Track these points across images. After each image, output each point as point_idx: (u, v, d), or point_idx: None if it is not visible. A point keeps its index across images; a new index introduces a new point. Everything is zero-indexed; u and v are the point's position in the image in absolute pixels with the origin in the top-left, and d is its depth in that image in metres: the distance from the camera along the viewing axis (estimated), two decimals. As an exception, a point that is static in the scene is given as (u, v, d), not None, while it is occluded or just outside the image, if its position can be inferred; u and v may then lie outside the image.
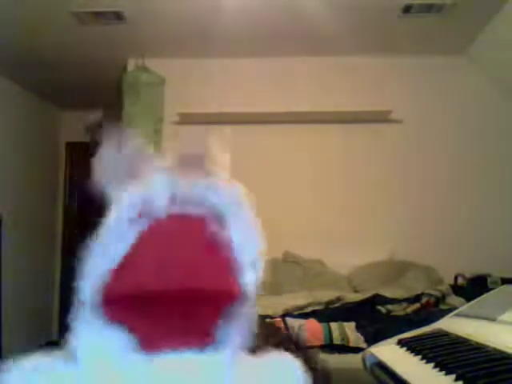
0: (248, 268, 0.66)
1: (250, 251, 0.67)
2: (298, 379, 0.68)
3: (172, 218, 0.64)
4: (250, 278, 0.66)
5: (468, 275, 3.07)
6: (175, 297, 0.60)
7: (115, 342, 0.60)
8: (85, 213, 4.97)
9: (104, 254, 0.63)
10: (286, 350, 0.76)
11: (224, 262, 0.64)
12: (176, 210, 0.65)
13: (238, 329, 0.65)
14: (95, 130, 4.04)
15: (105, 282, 0.61)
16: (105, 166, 0.68)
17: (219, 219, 0.66)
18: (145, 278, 0.60)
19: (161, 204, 0.64)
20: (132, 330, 0.60)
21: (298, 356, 0.72)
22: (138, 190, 0.66)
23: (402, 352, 1.16)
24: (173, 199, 0.65)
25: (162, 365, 0.60)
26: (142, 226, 0.63)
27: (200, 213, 0.66)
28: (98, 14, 3.07)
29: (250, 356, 0.68)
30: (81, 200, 4.99)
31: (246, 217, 0.69)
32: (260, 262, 0.68)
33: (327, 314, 2.42)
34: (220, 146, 0.74)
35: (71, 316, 0.64)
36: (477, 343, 1.04)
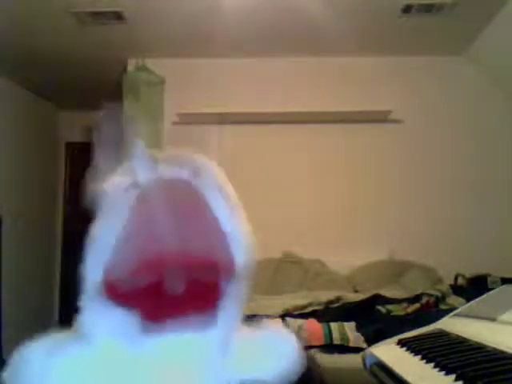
0: (239, 243, 0.68)
1: (234, 226, 0.69)
2: (293, 350, 0.71)
3: (161, 191, 0.67)
4: (242, 252, 0.68)
5: (468, 275, 3.07)
6: (175, 271, 0.63)
7: (121, 322, 0.64)
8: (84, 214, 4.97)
9: (104, 232, 0.67)
10: None
11: (219, 235, 0.67)
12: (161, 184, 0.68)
13: (234, 303, 0.68)
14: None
15: (108, 263, 0.64)
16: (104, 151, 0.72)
17: (199, 195, 0.70)
18: (147, 254, 0.63)
19: (145, 175, 0.68)
20: (136, 306, 0.64)
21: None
22: (124, 169, 0.70)
23: (401, 352, 1.16)
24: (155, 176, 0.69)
25: (164, 343, 0.63)
26: (133, 197, 0.67)
27: (186, 186, 0.69)
28: (97, 14, 3.07)
29: (246, 328, 0.71)
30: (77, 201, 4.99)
31: (226, 194, 0.72)
32: (248, 238, 0.72)
33: (327, 313, 2.42)
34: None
35: (79, 298, 0.68)
36: (477, 343, 1.04)
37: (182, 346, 0.63)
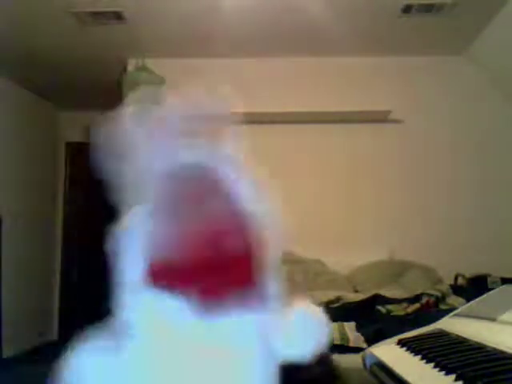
0: (266, 220, 0.73)
1: (260, 207, 0.74)
2: (323, 324, 0.82)
3: (187, 185, 0.69)
4: (272, 229, 0.73)
5: (468, 275, 3.07)
6: (214, 262, 0.66)
7: (172, 307, 0.65)
8: (86, 212, 4.98)
9: (137, 227, 0.68)
10: None
11: (248, 222, 0.71)
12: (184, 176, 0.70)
13: (270, 287, 0.71)
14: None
15: (150, 259, 0.65)
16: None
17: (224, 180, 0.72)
18: (187, 248, 0.65)
19: (168, 169, 0.69)
20: (187, 294, 0.65)
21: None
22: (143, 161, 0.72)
23: (401, 352, 1.16)
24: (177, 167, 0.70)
25: (215, 328, 0.65)
26: (161, 187, 0.68)
27: (209, 174, 0.72)
28: (97, 14, 3.07)
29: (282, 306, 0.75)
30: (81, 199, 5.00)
31: (248, 177, 0.78)
32: (275, 217, 0.76)
33: (327, 313, 2.41)
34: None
35: (115, 298, 0.68)
36: (477, 343, 1.04)
37: (232, 329, 0.66)
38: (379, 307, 2.55)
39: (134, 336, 0.66)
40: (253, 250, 0.68)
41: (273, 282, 0.70)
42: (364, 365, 1.26)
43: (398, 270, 3.27)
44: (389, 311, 2.52)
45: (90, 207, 4.69)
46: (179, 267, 0.64)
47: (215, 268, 0.66)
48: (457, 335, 1.15)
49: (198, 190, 0.69)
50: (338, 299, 2.67)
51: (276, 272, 0.71)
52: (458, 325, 1.23)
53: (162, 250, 0.65)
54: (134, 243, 0.67)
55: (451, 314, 1.38)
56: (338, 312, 2.45)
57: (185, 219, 0.67)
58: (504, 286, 1.47)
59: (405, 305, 2.60)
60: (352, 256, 3.32)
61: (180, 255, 0.64)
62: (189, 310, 0.65)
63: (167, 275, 0.65)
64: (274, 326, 0.70)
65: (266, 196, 0.75)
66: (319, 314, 0.79)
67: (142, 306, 0.66)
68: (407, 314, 2.47)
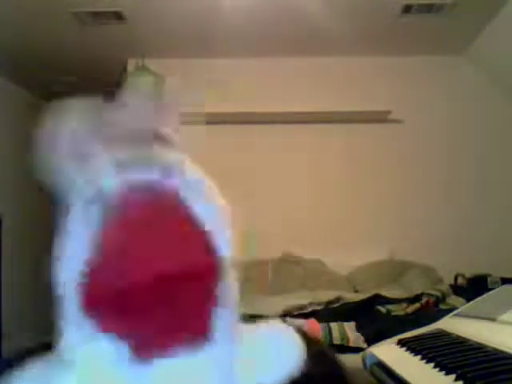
0: (221, 243, 0.63)
1: (216, 226, 0.63)
2: (297, 351, 0.66)
3: (132, 198, 0.61)
4: (225, 251, 0.63)
5: (468, 275, 3.06)
6: (158, 288, 0.57)
7: (105, 349, 0.57)
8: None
9: (75, 250, 0.61)
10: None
11: (200, 237, 0.62)
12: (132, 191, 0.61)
13: (226, 312, 0.62)
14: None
15: (82, 288, 0.58)
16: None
17: (174, 196, 0.63)
18: (122, 275, 0.57)
19: (112, 185, 0.61)
20: (121, 335, 0.57)
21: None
22: (87, 175, 0.64)
23: (401, 352, 1.16)
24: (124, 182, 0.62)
25: (157, 372, 0.57)
26: (100, 208, 0.60)
27: (159, 189, 0.62)
28: (97, 14, 3.07)
29: (246, 327, 0.67)
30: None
31: (204, 190, 0.66)
32: (229, 237, 0.65)
33: (327, 313, 2.42)
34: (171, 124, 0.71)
35: (56, 315, 0.60)
36: (477, 343, 1.04)
37: (177, 371, 0.57)
38: (379, 307, 2.55)
39: (70, 369, 0.58)
40: (206, 278, 0.61)
41: (226, 308, 0.62)
42: (364, 365, 1.26)
43: (398, 269, 3.27)
44: (389, 311, 2.52)
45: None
46: (114, 298, 0.56)
47: (159, 300, 0.57)
48: (457, 335, 1.15)
49: (149, 210, 0.61)
50: (337, 299, 2.67)
51: (229, 296, 0.63)
52: (458, 325, 1.23)
53: (99, 283, 0.57)
54: (70, 270, 0.59)
55: (451, 314, 1.38)
56: (338, 312, 2.45)
57: (131, 241, 0.59)
58: (504, 286, 1.47)
59: (405, 305, 2.60)
60: (352, 256, 3.32)
61: (116, 283, 0.56)
62: (127, 354, 0.56)
63: (99, 309, 0.57)
64: (236, 357, 0.61)
65: (226, 217, 0.67)
66: (288, 335, 0.70)
67: (74, 336, 0.59)
68: (407, 314, 2.47)
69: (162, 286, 0.57)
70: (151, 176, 0.63)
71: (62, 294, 0.61)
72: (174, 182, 0.63)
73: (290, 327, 0.71)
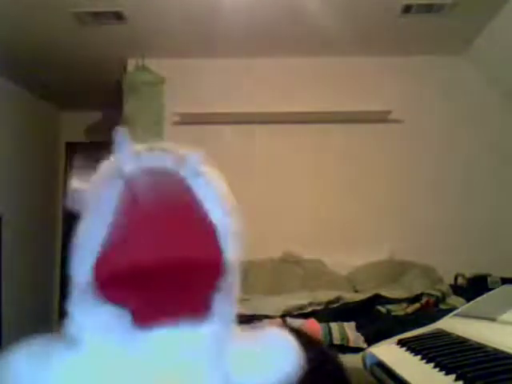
0: (228, 237, 0.65)
1: (223, 220, 0.66)
2: (292, 356, 0.67)
3: (148, 187, 0.64)
4: (232, 247, 0.65)
5: (468, 275, 3.06)
6: (167, 269, 0.60)
7: (112, 321, 0.60)
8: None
9: (90, 229, 0.64)
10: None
11: (209, 230, 0.64)
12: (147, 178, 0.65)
13: (227, 300, 0.65)
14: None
15: (96, 261, 0.61)
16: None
17: (188, 189, 0.66)
18: (137, 253, 0.60)
19: (129, 165, 0.64)
20: (126, 305, 0.60)
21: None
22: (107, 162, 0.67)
23: (402, 352, 1.16)
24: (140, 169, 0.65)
25: (157, 340, 0.60)
26: (118, 189, 0.63)
27: (174, 180, 0.66)
28: (97, 14, 3.07)
29: (243, 331, 0.69)
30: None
31: (214, 185, 0.68)
32: (238, 232, 0.68)
33: (327, 314, 2.42)
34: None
35: (69, 300, 0.63)
36: (477, 343, 1.04)
37: (176, 341, 0.61)
38: (379, 307, 2.55)
39: (74, 346, 0.60)
40: (212, 263, 0.64)
41: (226, 300, 0.65)
42: (364, 365, 1.27)
43: (398, 270, 3.27)
44: (389, 311, 2.53)
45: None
46: (126, 272, 0.59)
47: (167, 277, 0.61)
48: (457, 335, 1.15)
49: (161, 196, 0.64)
50: (337, 299, 2.67)
51: (231, 290, 0.66)
52: (458, 325, 1.23)
53: (109, 262, 0.60)
54: (85, 249, 0.63)
55: (451, 314, 1.38)
56: (337, 312, 2.45)
57: (143, 225, 0.62)
58: (504, 286, 1.47)
59: (405, 305, 2.60)
60: (352, 256, 3.32)
61: (130, 259, 0.59)
62: (129, 324, 0.60)
63: (112, 280, 0.60)
64: (226, 345, 0.63)
65: (233, 208, 0.69)
66: (288, 343, 0.70)
67: (83, 316, 0.61)
68: (407, 314, 2.47)
69: (165, 269, 0.60)
70: (165, 163, 0.66)
71: (74, 271, 0.63)
72: (186, 171, 0.66)
73: (287, 333, 0.72)
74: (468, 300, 1.63)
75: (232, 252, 0.65)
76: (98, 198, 0.65)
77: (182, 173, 0.66)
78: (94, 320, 0.61)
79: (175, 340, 0.61)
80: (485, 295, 1.37)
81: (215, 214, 0.65)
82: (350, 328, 2.15)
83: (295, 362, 0.66)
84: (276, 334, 0.72)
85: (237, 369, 0.63)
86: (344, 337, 2.07)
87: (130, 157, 0.65)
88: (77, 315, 0.62)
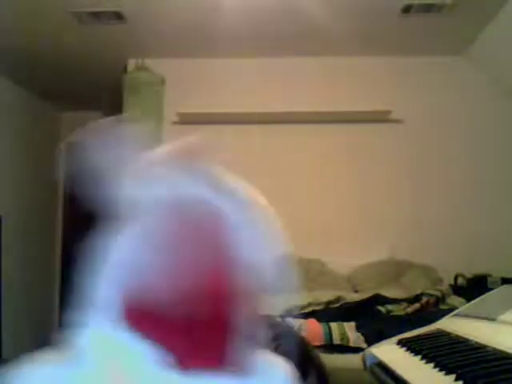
0: (261, 268, 0.63)
1: (259, 250, 0.63)
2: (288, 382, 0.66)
3: (177, 219, 0.60)
4: (263, 278, 0.63)
5: (468, 275, 3.06)
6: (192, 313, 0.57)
7: (138, 350, 0.57)
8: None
9: (126, 247, 0.60)
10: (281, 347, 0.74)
11: (246, 269, 0.61)
12: (177, 210, 0.61)
13: (253, 345, 0.62)
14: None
15: (126, 290, 0.57)
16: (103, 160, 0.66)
17: (221, 218, 0.62)
18: (161, 291, 0.56)
19: (160, 202, 0.61)
20: (161, 343, 0.57)
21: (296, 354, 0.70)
22: (138, 187, 0.63)
23: (402, 352, 1.16)
24: (172, 199, 0.61)
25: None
26: (146, 223, 0.60)
27: (203, 211, 0.62)
28: (97, 14, 3.07)
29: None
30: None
31: (251, 215, 0.65)
32: (275, 262, 0.65)
33: (327, 314, 2.42)
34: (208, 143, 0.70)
35: (76, 315, 0.60)
36: (477, 343, 1.04)
37: None
38: (379, 307, 2.55)
39: (82, 364, 0.57)
40: (244, 308, 0.60)
41: (247, 341, 0.61)
42: (364, 365, 1.27)
43: (398, 270, 3.27)
44: (389, 311, 2.53)
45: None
46: (157, 309, 0.56)
47: (201, 319, 0.57)
48: (457, 335, 1.15)
49: (197, 228, 0.60)
50: (337, 299, 2.67)
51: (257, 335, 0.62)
52: (458, 325, 1.23)
53: (143, 287, 0.57)
54: (116, 268, 0.59)
55: (451, 314, 1.38)
56: (338, 312, 2.45)
57: (177, 259, 0.58)
58: (504, 286, 1.48)
59: (405, 305, 2.60)
60: (352, 256, 3.32)
61: (162, 296, 0.56)
62: (156, 361, 0.56)
63: (141, 315, 0.57)
64: None
65: (271, 243, 0.65)
66: (282, 370, 0.68)
67: (100, 334, 0.58)
68: (407, 314, 2.47)
69: (201, 309, 0.56)
70: (198, 191, 0.62)
71: (95, 295, 0.60)
72: (223, 204, 0.62)
73: (280, 359, 0.70)
74: (468, 300, 1.63)
75: (257, 290, 0.62)
76: (138, 214, 0.61)
77: (217, 201, 0.62)
78: (112, 342, 0.58)
79: None
80: (485, 295, 1.37)
81: (251, 250, 0.62)
82: (350, 328, 2.15)
83: None
84: (271, 364, 0.69)
85: None
86: (344, 337, 2.07)
87: (155, 185, 0.61)
88: (92, 333, 0.59)
